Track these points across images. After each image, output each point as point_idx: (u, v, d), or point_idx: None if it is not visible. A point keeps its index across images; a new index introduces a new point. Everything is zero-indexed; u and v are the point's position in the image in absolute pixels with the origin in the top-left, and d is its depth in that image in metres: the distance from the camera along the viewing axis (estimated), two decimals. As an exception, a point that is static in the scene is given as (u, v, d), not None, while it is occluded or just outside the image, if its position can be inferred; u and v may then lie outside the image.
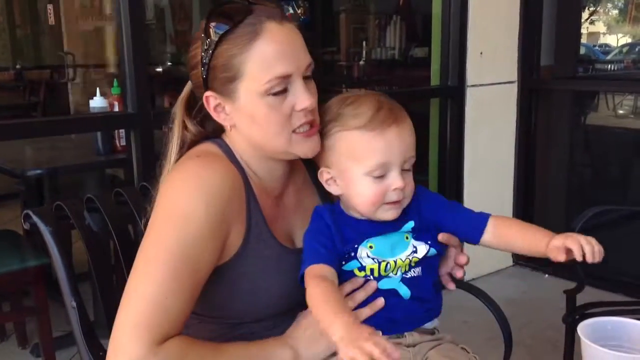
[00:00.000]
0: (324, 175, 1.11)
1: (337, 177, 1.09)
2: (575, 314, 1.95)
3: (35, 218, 1.26)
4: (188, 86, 1.15)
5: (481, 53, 3.23)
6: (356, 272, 1.08)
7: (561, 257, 1.00)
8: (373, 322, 1.05)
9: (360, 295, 1.06)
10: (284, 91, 1.04)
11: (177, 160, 1.12)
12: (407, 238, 1.09)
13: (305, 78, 1.07)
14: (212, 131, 1.16)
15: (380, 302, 1.06)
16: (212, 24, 1.03)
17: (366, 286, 1.07)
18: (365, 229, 1.08)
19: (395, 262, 1.07)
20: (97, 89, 2.78)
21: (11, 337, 2.78)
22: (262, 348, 1.05)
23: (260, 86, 1.02)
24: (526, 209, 3.56)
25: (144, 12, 2.23)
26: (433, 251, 1.11)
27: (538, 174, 3.59)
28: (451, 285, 1.19)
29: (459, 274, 1.18)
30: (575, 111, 4.04)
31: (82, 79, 5.93)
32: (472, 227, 1.12)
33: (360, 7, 6.61)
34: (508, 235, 1.11)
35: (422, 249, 1.09)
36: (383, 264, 1.07)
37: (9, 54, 7.28)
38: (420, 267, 1.09)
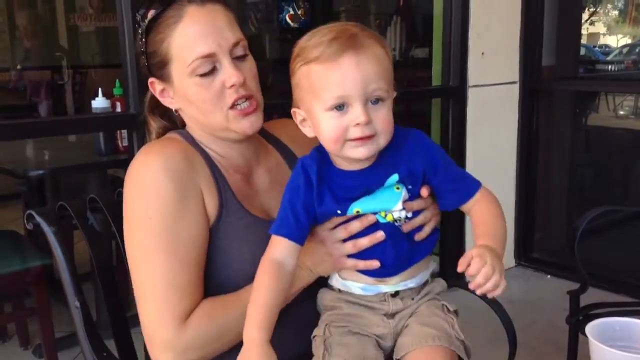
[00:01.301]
0: (296, 117, 1.05)
1: (307, 117, 1.02)
2: (578, 314, 1.95)
3: (38, 218, 1.26)
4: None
5: (483, 53, 3.22)
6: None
7: (459, 268, 0.92)
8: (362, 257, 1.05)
9: (355, 226, 1.04)
10: (213, 70, 1.07)
11: None
12: (397, 189, 1.02)
13: (239, 57, 1.09)
14: (179, 124, 1.21)
15: (380, 234, 1.03)
16: (140, 14, 1.10)
17: (363, 218, 1.03)
18: (351, 182, 1.02)
19: (387, 214, 1.03)
20: (100, 89, 2.78)
21: (13, 338, 2.77)
22: None
23: (186, 67, 1.07)
24: (528, 209, 3.56)
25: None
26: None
27: (540, 174, 3.59)
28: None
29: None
30: (576, 111, 4.04)
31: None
32: (456, 197, 1.05)
33: (360, 8, 6.62)
34: (474, 219, 1.05)
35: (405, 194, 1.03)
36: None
37: (9, 54, 7.28)
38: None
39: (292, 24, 5.84)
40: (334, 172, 1.03)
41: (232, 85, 1.07)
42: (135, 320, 1.13)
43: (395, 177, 1.02)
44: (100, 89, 2.77)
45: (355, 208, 1.02)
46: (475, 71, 3.22)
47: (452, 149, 3.27)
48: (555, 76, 3.60)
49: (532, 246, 3.61)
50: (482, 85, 3.26)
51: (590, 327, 0.98)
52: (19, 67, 6.78)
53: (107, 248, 1.39)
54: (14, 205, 4.14)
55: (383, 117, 0.96)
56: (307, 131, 1.04)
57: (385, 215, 1.03)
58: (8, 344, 2.78)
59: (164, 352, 1.02)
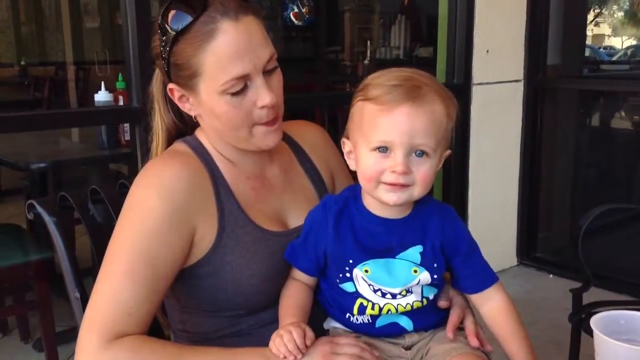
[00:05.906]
0: (344, 147, 1.06)
1: (352, 150, 1.03)
2: (581, 313, 1.94)
3: (39, 208, 1.24)
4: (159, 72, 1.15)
5: (487, 51, 3.21)
6: (355, 307, 1.04)
7: None
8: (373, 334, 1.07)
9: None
10: (244, 89, 1.03)
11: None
12: (415, 272, 1.02)
13: (268, 72, 1.05)
14: (188, 122, 1.17)
15: None
16: (168, 20, 1.02)
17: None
18: (375, 227, 1.02)
19: (393, 293, 1.02)
20: (102, 83, 2.77)
21: (14, 332, 2.77)
22: (238, 355, 1.01)
23: (218, 87, 1.02)
24: (531, 208, 3.54)
25: (149, 7, 2.22)
26: (433, 289, 1.06)
27: (543, 173, 3.58)
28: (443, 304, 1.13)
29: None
30: (580, 110, 4.02)
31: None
32: (472, 283, 1.08)
33: (365, 7, 6.61)
34: (496, 325, 1.09)
35: (426, 278, 1.03)
36: (376, 307, 1.03)
37: (14, 50, 7.30)
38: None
39: (296, 22, 5.84)
40: (361, 211, 1.04)
41: (263, 106, 1.04)
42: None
43: (418, 249, 1.02)
44: (102, 83, 2.77)
45: (365, 267, 1.01)
46: (479, 69, 3.21)
47: (455, 147, 3.25)
48: (560, 75, 3.58)
49: (535, 245, 3.59)
50: (486, 83, 3.25)
51: (595, 320, 0.97)
52: (22, 62, 6.80)
53: (109, 239, 1.38)
54: (17, 199, 4.15)
55: (423, 171, 0.97)
56: (351, 164, 1.05)
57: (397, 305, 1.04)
58: (8, 337, 2.77)
59: (82, 355, 0.97)
